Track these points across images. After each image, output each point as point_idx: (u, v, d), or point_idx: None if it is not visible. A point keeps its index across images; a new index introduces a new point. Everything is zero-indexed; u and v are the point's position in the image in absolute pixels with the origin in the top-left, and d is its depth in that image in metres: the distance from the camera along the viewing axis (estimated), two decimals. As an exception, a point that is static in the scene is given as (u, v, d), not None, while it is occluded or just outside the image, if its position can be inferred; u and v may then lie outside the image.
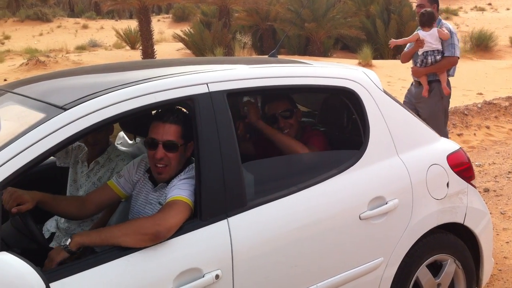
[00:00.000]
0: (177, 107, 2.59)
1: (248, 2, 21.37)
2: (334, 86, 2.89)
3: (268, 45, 22.35)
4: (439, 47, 5.40)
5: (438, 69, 5.45)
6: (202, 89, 2.43)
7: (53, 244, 3.09)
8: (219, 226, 2.34)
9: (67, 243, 2.15)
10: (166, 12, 50.81)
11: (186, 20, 38.90)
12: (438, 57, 5.41)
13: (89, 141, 3.22)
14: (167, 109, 2.55)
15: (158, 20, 44.78)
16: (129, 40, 26.83)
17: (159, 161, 2.50)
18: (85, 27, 43.35)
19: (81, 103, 2.18)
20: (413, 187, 2.94)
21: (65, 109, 2.15)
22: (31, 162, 2.00)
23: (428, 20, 5.43)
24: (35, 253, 2.30)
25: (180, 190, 2.40)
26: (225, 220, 2.36)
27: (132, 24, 28.34)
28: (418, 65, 5.52)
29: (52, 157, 3.46)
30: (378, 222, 2.79)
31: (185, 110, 2.54)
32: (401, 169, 2.93)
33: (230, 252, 2.33)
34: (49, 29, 42.25)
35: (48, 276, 1.87)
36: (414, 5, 22.44)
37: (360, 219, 2.72)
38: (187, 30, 22.56)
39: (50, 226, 3.25)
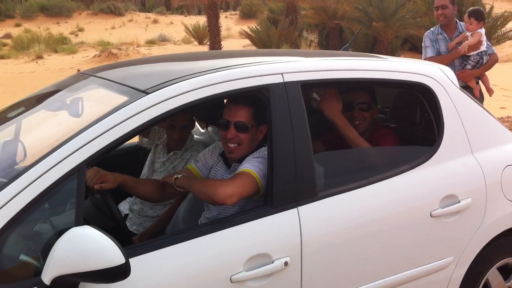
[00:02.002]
0: None
1: (315, 0, 21.26)
2: (409, 81, 2.85)
3: (334, 43, 22.15)
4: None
5: (488, 68, 5.29)
6: (277, 79, 2.47)
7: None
8: (289, 214, 2.37)
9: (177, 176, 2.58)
10: (233, 9, 51.32)
11: (253, 17, 39.10)
12: (487, 57, 5.25)
13: (175, 138, 3.31)
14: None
15: (226, 17, 45.19)
16: (197, 35, 27.26)
17: (231, 141, 2.61)
18: (155, 21, 44.34)
19: (162, 88, 2.26)
20: (487, 187, 2.87)
21: (147, 93, 2.23)
22: (113, 143, 2.09)
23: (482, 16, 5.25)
24: (113, 231, 2.42)
25: (249, 165, 2.51)
26: (295, 209, 2.39)
27: (201, 20, 28.78)
28: (469, 67, 5.23)
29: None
30: (450, 220, 2.75)
31: None
32: (476, 168, 2.86)
33: (299, 241, 2.35)
34: (121, 23, 43.49)
35: (127, 251, 1.96)
36: (487, 6, 21.66)
37: (431, 216, 2.68)
38: (253, 27, 22.69)
39: (123, 207, 3.37)
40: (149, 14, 47.57)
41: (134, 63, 3.07)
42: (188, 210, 3.09)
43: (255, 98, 2.58)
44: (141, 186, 2.73)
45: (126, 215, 3.33)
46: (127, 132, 2.12)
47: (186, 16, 46.50)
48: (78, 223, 1.96)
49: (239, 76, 2.40)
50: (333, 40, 22.39)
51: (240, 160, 2.62)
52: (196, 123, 3.75)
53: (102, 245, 1.81)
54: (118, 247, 1.83)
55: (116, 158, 3.34)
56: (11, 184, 1.90)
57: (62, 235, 1.83)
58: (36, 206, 1.92)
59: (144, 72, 2.79)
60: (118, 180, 2.52)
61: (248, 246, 2.26)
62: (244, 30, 23.33)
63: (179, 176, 2.59)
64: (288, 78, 2.49)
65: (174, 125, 3.25)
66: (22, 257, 1.93)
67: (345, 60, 2.85)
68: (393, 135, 3.19)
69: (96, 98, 2.56)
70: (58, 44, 28.53)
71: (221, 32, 21.70)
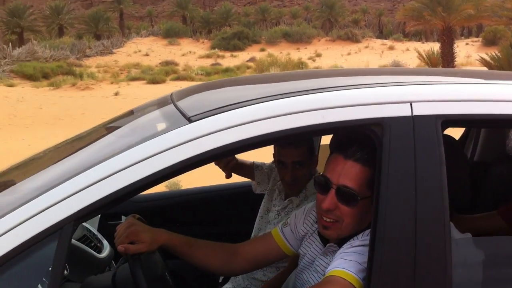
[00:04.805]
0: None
1: None
2: None
3: None
4: None
5: None
6: (400, 110, 1.55)
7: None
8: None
9: None
10: (476, 35, 47.98)
11: (497, 44, 36.03)
12: None
13: (286, 180, 2.53)
14: (354, 140, 1.69)
15: (467, 44, 42.61)
16: (430, 61, 25.78)
17: (326, 213, 1.68)
18: (391, 48, 43.78)
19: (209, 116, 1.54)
20: None
21: (191, 121, 1.55)
22: (122, 191, 1.45)
23: None
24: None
25: (345, 262, 1.58)
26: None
27: (437, 46, 27.43)
28: None
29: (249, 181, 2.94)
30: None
31: None
32: None
33: None
34: (357, 49, 43.97)
35: None
36: None
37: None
38: (493, 54, 20.48)
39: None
40: (385, 41, 47.13)
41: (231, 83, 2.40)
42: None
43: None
44: (199, 250, 1.86)
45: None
46: (143, 178, 1.45)
47: (423, 42, 44.78)
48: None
49: (334, 104, 1.55)
50: None
51: (340, 242, 1.72)
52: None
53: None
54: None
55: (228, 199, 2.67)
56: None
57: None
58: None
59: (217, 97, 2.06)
60: (158, 241, 1.75)
61: None
62: (481, 57, 21.25)
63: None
64: (420, 109, 1.55)
65: (283, 161, 2.45)
66: None
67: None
68: None
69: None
70: (295, 68, 29.73)
71: (455, 59, 20.08)
